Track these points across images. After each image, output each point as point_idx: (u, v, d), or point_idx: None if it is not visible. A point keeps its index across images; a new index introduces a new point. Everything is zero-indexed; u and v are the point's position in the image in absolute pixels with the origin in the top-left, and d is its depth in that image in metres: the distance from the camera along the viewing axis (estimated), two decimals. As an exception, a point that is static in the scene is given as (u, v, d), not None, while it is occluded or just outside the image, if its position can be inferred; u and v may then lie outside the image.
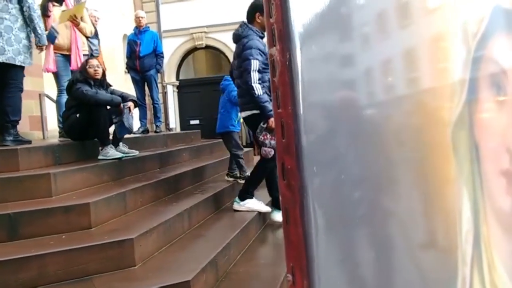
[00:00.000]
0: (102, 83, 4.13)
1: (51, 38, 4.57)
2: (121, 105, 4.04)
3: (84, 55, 4.79)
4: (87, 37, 4.87)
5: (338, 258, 0.54)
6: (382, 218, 0.61)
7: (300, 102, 0.49)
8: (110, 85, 4.28)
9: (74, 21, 4.59)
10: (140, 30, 6.30)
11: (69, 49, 4.71)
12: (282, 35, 0.48)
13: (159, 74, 6.88)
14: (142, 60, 6.22)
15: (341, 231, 0.55)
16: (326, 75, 0.54)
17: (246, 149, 7.74)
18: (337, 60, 0.56)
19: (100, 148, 3.99)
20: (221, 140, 5.32)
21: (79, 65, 4.57)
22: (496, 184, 0.80)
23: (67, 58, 4.75)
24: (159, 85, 8.15)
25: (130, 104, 4.11)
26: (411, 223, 0.65)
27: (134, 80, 6.37)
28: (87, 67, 4.03)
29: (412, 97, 0.68)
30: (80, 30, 4.71)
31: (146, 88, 6.57)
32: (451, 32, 0.74)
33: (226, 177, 5.00)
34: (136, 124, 5.79)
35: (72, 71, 4.74)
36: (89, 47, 5.00)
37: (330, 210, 0.53)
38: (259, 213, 4.06)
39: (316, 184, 0.51)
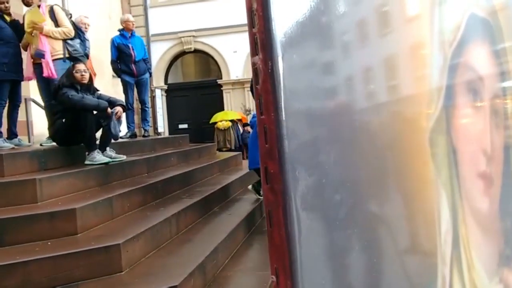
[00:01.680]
0: (89, 87, 4.09)
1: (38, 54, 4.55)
2: (109, 110, 4.01)
3: (58, 59, 4.64)
4: (64, 40, 4.71)
5: (320, 259, 0.56)
6: (363, 220, 0.63)
7: (282, 108, 0.51)
8: (97, 90, 4.26)
9: (36, 27, 4.51)
10: (130, 34, 6.27)
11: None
12: (265, 44, 0.50)
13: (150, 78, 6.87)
14: (137, 65, 6.20)
15: (324, 233, 0.57)
16: (307, 83, 0.56)
17: (235, 153, 7.77)
18: (318, 68, 0.58)
19: (86, 153, 3.95)
20: (209, 144, 5.32)
21: (51, 72, 4.50)
22: (473, 186, 0.82)
23: (40, 66, 4.68)
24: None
25: (119, 109, 4.09)
26: (392, 225, 0.68)
27: (127, 84, 6.30)
28: (74, 71, 3.99)
29: (390, 103, 0.70)
30: (51, 35, 4.57)
31: (135, 92, 6.54)
32: (429, 40, 0.76)
33: (250, 188, 4.99)
34: (124, 129, 5.75)
35: (47, 78, 4.68)
36: (67, 49, 4.75)
37: (312, 213, 0.55)
38: (246, 217, 4.06)
39: (298, 187, 0.53)
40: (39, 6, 4.62)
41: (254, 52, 0.52)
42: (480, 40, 0.91)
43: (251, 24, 0.51)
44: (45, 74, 4.59)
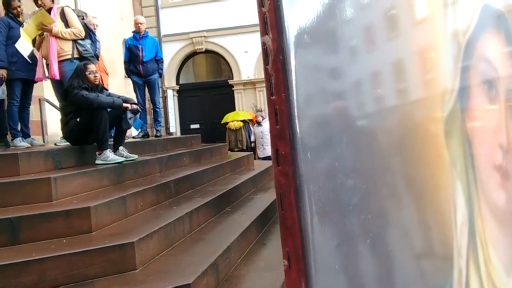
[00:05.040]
0: (97, 87, 4.13)
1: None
2: (125, 105, 4.04)
3: (66, 60, 4.68)
4: (74, 40, 4.73)
5: (332, 243, 0.55)
6: (376, 206, 0.61)
7: (294, 88, 0.50)
8: (106, 89, 4.29)
9: (45, 28, 4.57)
10: (141, 35, 6.35)
11: (48, 58, 4.70)
12: (274, 23, 0.49)
13: (160, 79, 6.92)
14: (145, 65, 6.28)
15: (336, 217, 0.56)
16: (318, 62, 0.55)
17: (247, 153, 7.76)
18: (328, 47, 0.57)
19: (97, 152, 3.98)
20: (220, 144, 5.32)
21: (55, 73, 4.54)
22: (489, 178, 0.80)
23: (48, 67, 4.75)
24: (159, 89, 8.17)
25: (134, 105, 4.14)
26: (406, 211, 0.66)
27: (136, 85, 6.41)
28: (87, 73, 4.03)
29: (404, 91, 0.68)
30: (60, 35, 4.61)
31: (147, 93, 6.60)
32: (439, 42, 0.75)
33: None
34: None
35: (52, 80, 4.72)
36: (77, 49, 4.77)
37: (325, 196, 0.54)
38: (259, 217, 4.05)
39: (310, 170, 0.52)
40: (51, 8, 4.68)
41: (263, 31, 0.51)
42: (494, 31, 0.89)
43: (260, 3, 0.51)
44: (51, 75, 4.66)
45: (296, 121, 0.50)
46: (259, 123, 9.70)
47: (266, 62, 0.51)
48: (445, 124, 0.74)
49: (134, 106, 4.15)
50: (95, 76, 4.05)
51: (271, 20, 0.50)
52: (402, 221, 0.65)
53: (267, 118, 10.28)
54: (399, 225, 0.65)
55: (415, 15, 0.75)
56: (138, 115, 4.28)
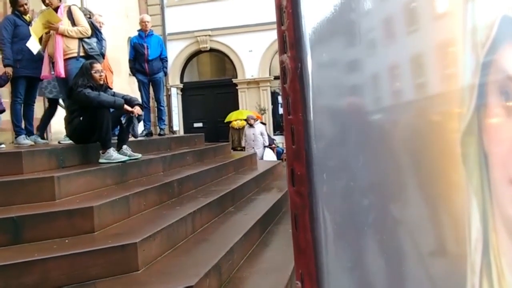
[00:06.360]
0: (101, 86, 4.13)
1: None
2: (126, 107, 4.04)
3: (71, 58, 4.68)
4: (81, 39, 4.73)
5: (348, 265, 0.54)
6: (392, 225, 0.60)
7: (311, 108, 0.49)
8: (111, 88, 4.28)
9: (52, 27, 4.56)
10: (146, 34, 6.36)
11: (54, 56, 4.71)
12: (294, 42, 0.48)
13: (164, 77, 6.93)
14: (151, 64, 6.29)
15: (351, 238, 0.55)
16: (336, 81, 0.54)
17: (250, 152, 7.76)
18: (347, 66, 0.56)
19: (101, 151, 3.98)
20: (224, 143, 5.31)
21: (61, 71, 4.55)
22: (505, 192, 0.79)
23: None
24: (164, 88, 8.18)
25: (138, 109, 4.12)
26: (421, 231, 0.65)
27: (141, 83, 6.42)
28: (93, 71, 4.03)
29: (421, 103, 0.67)
30: (66, 34, 4.61)
31: (151, 91, 6.61)
32: (460, 37, 0.73)
33: None
34: (140, 127, 5.80)
35: (57, 78, 4.73)
36: (83, 47, 4.77)
37: (340, 217, 0.53)
38: (262, 217, 4.05)
39: (325, 190, 0.51)
40: (58, 7, 4.69)
41: (282, 50, 0.50)
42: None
43: (279, 21, 0.50)
44: (56, 73, 4.68)
45: (313, 141, 0.49)
46: (251, 125, 9.70)
47: (284, 81, 0.50)
48: (461, 135, 0.73)
49: (139, 111, 4.13)
50: (100, 76, 4.05)
51: (290, 38, 0.49)
52: (417, 241, 0.64)
53: (258, 121, 10.23)
54: (414, 245, 0.64)
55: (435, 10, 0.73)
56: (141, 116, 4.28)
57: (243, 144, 9.82)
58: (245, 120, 10.68)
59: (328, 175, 0.51)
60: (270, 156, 9.63)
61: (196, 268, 2.72)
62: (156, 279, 2.60)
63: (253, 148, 9.26)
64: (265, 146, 9.70)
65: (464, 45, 0.74)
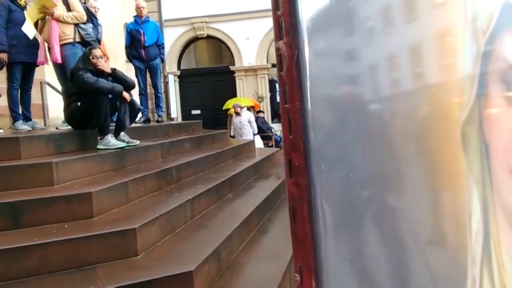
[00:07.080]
0: (103, 71, 4.09)
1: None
2: (125, 94, 4.01)
3: (67, 43, 4.67)
4: (76, 24, 4.70)
5: (347, 257, 0.53)
6: (392, 217, 0.60)
7: (308, 97, 0.48)
8: (114, 69, 4.20)
9: (47, 12, 4.51)
10: (142, 20, 6.29)
11: (49, 42, 4.66)
12: (290, 28, 0.47)
13: (161, 64, 6.88)
14: (147, 50, 6.23)
15: (350, 229, 0.54)
16: (334, 70, 0.52)
17: (248, 140, 7.76)
18: (345, 55, 0.54)
19: (99, 137, 3.97)
20: (222, 130, 5.29)
21: (57, 57, 4.50)
22: (506, 182, 0.78)
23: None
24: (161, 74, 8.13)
25: (126, 95, 4.09)
26: (421, 222, 0.64)
27: (138, 70, 6.38)
28: (91, 57, 3.99)
29: (421, 92, 0.66)
30: (62, 19, 4.57)
31: (148, 78, 6.57)
32: (460, 26, 0.72)
33: None
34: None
35: (54, 63, 4.69)
36: (79, 33, 4.75)
37: (339, 208, 0.52)
38: (260, 204, 4.06)
39: (324, 181, 0.50)
40: None
41: (278, 36, 0.48)
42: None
43: (275, 6, 0.48)
44: (52, 59, 4.64)
45: (311, 131, 0.48)
46: (237, 113, 9.64)
47: (280, 69, 0.49)
48: (462, 127, 0.72)
49: (127, 96, 4.11)
50: (98, 61, 4.00)
51: (286, 24, 0.47)
52: (417, 232, 0.64)
53: (245, 108, 10.14)
54: (414, 236, 0.63)
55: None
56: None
57: (232, 133, 9.70)
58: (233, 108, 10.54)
59: (327, 166, 0.50)
60: (259, 144, 9.56)
61: (195, 254, 2.74)
62: (155, 264, 2.61)
63: (241, 136, 9.23)
64: (254, 134, 9.65)
65: (464, 34, 0.73)
